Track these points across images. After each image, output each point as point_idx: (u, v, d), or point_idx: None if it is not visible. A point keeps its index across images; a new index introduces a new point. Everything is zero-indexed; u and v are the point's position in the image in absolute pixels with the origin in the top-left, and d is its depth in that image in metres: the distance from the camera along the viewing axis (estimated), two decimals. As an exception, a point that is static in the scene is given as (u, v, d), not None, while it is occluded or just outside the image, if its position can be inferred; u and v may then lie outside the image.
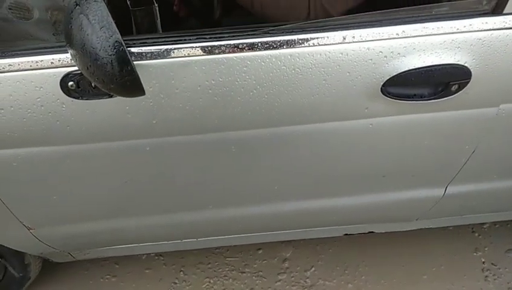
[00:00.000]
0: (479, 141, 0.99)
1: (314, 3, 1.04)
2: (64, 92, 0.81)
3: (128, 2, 1.05)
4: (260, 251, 1.56)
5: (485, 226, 1.62)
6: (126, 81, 0.61)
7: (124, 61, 0.60)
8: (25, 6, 0.89)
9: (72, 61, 0.77)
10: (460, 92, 0.87)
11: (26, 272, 1.34)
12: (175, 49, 0.79)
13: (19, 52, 0.80)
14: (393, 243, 1.55)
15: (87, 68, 0.62)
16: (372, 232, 1.41)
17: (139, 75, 0.65)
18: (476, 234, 1.60)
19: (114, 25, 0.59)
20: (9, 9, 0.86)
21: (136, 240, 1.27)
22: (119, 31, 0.98)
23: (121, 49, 0.59)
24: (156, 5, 1.06)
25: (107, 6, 1.09)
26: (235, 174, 1.00)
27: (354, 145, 0.97)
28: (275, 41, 0.80)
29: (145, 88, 0.80)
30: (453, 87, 0.86)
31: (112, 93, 0.68)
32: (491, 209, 1.35)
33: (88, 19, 0.61)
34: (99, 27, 0.59)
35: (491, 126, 0.96)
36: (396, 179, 1.09)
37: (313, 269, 1.50)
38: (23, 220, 1.06)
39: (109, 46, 0.59)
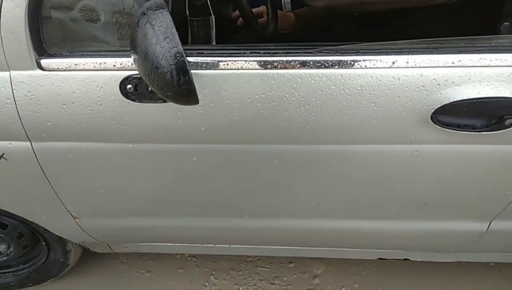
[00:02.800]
0: (530, 178, 0.95)
1: None
2: (122, 94, 0.85)
3: (187, 12, 1.10)
4: (291, 265, 1.56)
5: None
6: (183, 90, 0.65)
7: (183, 72, 0.63)
8: (94, 9, 0.95)
9: (133, 66, 0.81)
10: (513, 127, 0.84)
11: (67, 258, 1.41)
12: (229, 61, 0.82)
13: (84, 53, 0.86)
14: (431, 273, 1.50)
15: (148, 75, 0.66)
16: (408, 259, 1.38)
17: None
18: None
19: (177, 37, 0.63)
20: (80, 11, 0.93)
21: (172, 239, 1.31)
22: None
23: (181, 60, 0.62)
24: (213, 16, 1.10)
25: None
26: (274, 187, 1.01)
27: (397, 170, 0.96)
28: (327, 60, 0.81)
29: (199, 96, 0.84)
30: (507, 121, 0.83)
31: (167, 100, 0.72)
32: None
33: (153, 29, 0.65)
34: (163, 37, 0.63)
35: (545, 164, 0.92)
36: (438, 208, 1.06)
37: (343, 289, 1.48)
38: (70, 209, 1.12)
39: (171, 56, 0.62)
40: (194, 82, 0.70)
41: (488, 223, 1.10)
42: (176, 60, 0.62)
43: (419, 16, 1.12)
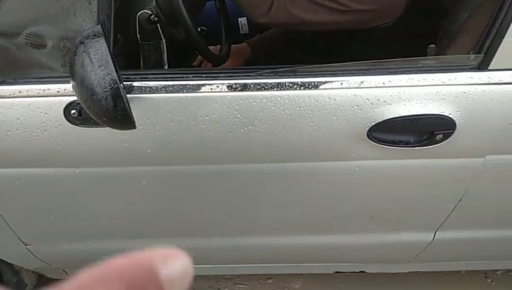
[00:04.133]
0: (466, 189, 1.00)
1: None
2: (66, 119, 0.86)
3: (138, 36, 1.12)
4: (270, 281, 1.55)
5: (498, 273, 1.59)
6: (118, 116, 0.66)
7: (117, 98, 0.65)
8: (41, 35, 0.96)
9: (75, 92, 0.83)
10: (445, 141, 0.89)
11: (20, 278, 1.37)
12: (172, 85, 0.85)
13: (28, 80, 0.87)
14: (404, 283, 1.52)
15: (85, 101, 0.68)
16: (364, 272, 1.41)
17: (132, 110, 0.70)
18: (489, 280, 1.57)
19: (111, 64, 0.65)
20: (26, 37, 0.94)
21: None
22: (129, 62, 1.05)
23: (115, 86, 0.64)
24: (164, 40, 1.12)
25: (119, 39, 1.17)
26: (225, 206, 1.03)
27: (341, 185, 1.00)
28: (266, 83, 0.85)
29: (142, 119, 0.86)
30: (438, 136, 0.88)
31: (105, 125, 0.74)
32: (488, 257, 1.34)
33: (89, 57, 0.67)
34: (98, 65, 0.65)
35: (478, 176, 0.97)
36: (384, 221, 1.10)
37: (322, 302, 1.49)
38: (20, 236, 1.10)
39: (105, 83, 0.64)
40: (136, 104, 0.72)
41: (433, 234, 1.15)
42: (110, 87, 0.64)
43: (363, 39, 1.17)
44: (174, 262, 0.19)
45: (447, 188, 1.01)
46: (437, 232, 1.15)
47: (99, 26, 0.69)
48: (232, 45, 1.36)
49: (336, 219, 1.09)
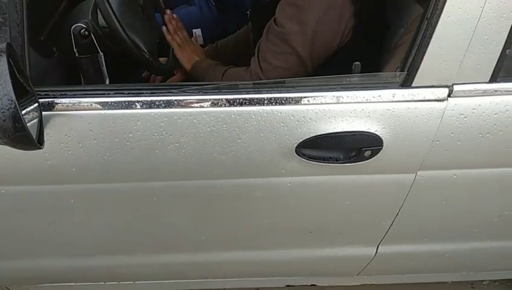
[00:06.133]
0: (401, 205, 1.00)
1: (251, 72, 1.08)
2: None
3: (75, 50, 1.10)
4: None
5: (484, 283, 1.59)
6: (18, 137, 0.65)
7: (15, 119, 0.63)
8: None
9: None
10: (374, 157, 0.89)
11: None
12: (92, 102, 0.83)
13: None
14: None
15: (-14, 122, 0.65)
16: (315, 285, 1.40)
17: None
18: (475, 290, 1.58)
19: (10, 84, 0.63)
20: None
21: (71, 279, 1.27)
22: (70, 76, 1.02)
23: (13, 107, 0.62)
24: (101, 54, 1.11)
25: (55, 52, 1.15)
26: (156, 223, 1.02)
27: (276, 201, 0.99)
28: (190, 100, 0.84)
29: (64, 137, 0.84)
30: (366, 153, 0.88)
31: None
32: (436, 269, 1.34)
33: (-11, 76, 0.65)
34: (-4, 85, 0.63)
35: (412, 192, 0.97)
36: (324, 236, 1.09)
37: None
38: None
39: (2, 104, 0.62)
40: (52, 122, 0.69)
41: (376, 248, 1.15)
42: (7, 108, 0.62)
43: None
44: None
45: (381, 204, 1.01)
46: (379, 247, 1.15)
47: (4, 44, 0.66)
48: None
49: (275, 234, 1.08)
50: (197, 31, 1.75)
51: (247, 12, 1.42)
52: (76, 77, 1.14)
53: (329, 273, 1.32)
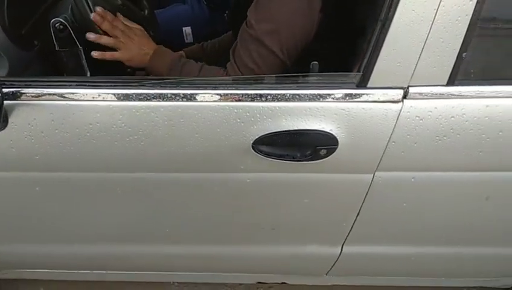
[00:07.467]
0: (361, 205, 1.01)
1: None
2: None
3: (56, 43, 1.13)
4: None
5: None
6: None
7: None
8: None
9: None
10: (329, 157, 0.90)
11: None
12: (55, 93, 0.85)
13: None
14: None
15: None
16: (285, 283, 1.41)
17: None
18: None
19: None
20: None
21: (47, 266, 1.30)
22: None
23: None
24: (81, 47, 1.13)
25: (36, 45, 1.18)
26: (116, 214, 1.04)
27: (237, 196, 1.00)
28: (148, 93, 0.86)
29: (28, 126, 0.87)
30: (322, 151, 0.89)
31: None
32: (406, 273, 1.34)
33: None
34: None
35: (370, 193, 0.98)
36: (287, 233, 1.11)
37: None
38: None
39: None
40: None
41: (340, 248, 1.16)
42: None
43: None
44: None
45: (341, 203, 1.02)
46: (344, 247, 1.15)
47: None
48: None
49: (237, 229, 1.09)
50: (187, 29, 1.77)
51: (225, 14, 1.42)
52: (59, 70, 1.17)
53: (298, 271, 1.33)
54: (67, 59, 1.14)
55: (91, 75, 1.14)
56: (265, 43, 1.01)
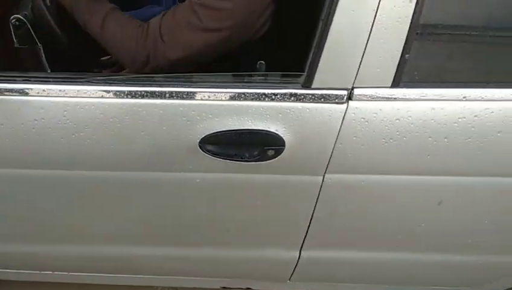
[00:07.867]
0: (314, 208, 1.00)
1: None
2: None
3: (15, 40, 1.13)
4: None
5: None
6: None
7: None
8: None
9: None
10: (277, 157, 0.89)
11: None
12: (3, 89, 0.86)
13: None
14: None
15: None
16: (250, 288, 1.39)
17: None
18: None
19: None
20: None
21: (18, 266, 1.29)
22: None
23: None
24: (40, 45, 1.14)
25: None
26: (62, 212, 1.03)
27: (185, 196, 0.99)
28: (91, 90, 0.85)
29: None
30: (269, 152, 0.88)
31: None
32: (367, 279, 1.32)
33: None
34: None
35: (322, 195, 0.97)
36: (242, 235, 1.09)
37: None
38: None
39: None
40: None
41: (299, 252, 1.14)
42: None
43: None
44: None
45: (292, 206, 1.01)
46: (302, 251, 1.14)
47: None
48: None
49: (190, 231, 1.08)
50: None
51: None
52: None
53: (261, 276, 1.31)
54: (26, 56, 1.15)
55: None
56: (221, 19, 0.92)
